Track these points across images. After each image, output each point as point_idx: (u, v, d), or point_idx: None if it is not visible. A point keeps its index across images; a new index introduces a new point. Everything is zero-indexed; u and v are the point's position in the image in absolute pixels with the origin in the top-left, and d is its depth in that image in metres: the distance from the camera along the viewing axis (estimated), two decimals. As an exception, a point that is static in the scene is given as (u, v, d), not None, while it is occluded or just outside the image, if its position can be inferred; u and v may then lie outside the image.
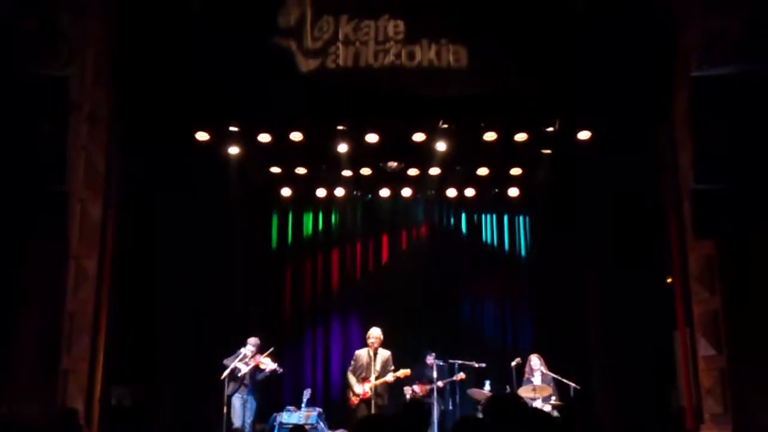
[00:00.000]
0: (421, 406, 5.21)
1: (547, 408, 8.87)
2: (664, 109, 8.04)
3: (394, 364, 9.30)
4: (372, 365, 9.13)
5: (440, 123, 9.39)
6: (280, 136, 9.59)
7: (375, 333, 9.34)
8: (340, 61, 8.28)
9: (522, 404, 3.24)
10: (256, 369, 9.18)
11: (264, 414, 10.04)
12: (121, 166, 8.20)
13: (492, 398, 3.45)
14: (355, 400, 9.18)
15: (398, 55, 8.26)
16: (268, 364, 9.22)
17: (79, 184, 7.28)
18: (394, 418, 4.34)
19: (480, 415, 8.96)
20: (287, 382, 11.27)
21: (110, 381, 8.19)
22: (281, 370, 9.57)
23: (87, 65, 7.44)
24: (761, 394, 6.64)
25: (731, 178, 6.68)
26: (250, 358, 9.15)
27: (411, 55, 8.25)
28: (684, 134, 7.50)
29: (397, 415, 4.73)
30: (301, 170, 10.91)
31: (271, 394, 10.96)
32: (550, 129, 9.38)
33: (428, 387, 9.66)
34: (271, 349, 9.37)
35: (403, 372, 9.25)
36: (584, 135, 9.38)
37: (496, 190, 11.45)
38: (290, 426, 9.30)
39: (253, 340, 9.29)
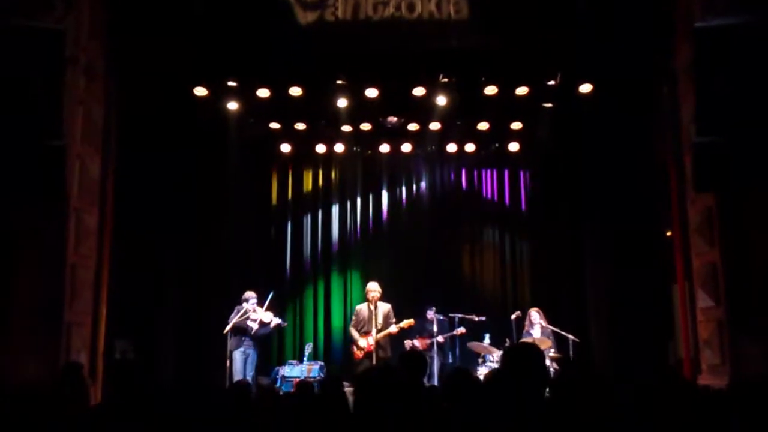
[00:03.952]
0: (418, 357, 5.25)
1: (546, 361, 8.98)
2: (666, 61, 7.97)
3: (396, 318, 9.38)
4: (373, 319, 9.20)
5: (440, 77, 9.32)
6: (279, 91, 9.53)
7: (373, 287, 9.39)
8: (339, 14, 8.18)
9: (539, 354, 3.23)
10: (260, 324, 9.24)
11: (266, 368, 10.16)
12: (120, 120, 8.15)
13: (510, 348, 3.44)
14: (359, 353, 9.27)
15: (398, 7, 8.15)
16: (272, 319, 9.28)
17: (78, 138, 7.23)
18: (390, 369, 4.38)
19: (482, 369, 9.10)
20: (289, 336, 11.39)
21: (113, 334, 8.27)
22: (285, 324, 9.66)
23: (83, 18, 7.33)
24: (758, 345, 6.70)
25: (733, 131, 6.64)
26: (252, 311, 9.19)
27: (411, 7, 8.14)
28: (686, 88, 7.45)
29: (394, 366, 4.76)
30: (300, 126, 10.86)
31: (273, 348, 11.10)
32: (552, 82, 9.32)
33: (428, 341, 9.76)
34: (271, 295, 9.36)
35: (407, 322, 9.33)
36: (586, 88, 9.33)
37: (497, 145, 11.43)
38: (293, 379, 9.42)
39: (251, 294, 9.31)
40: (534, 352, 3.22)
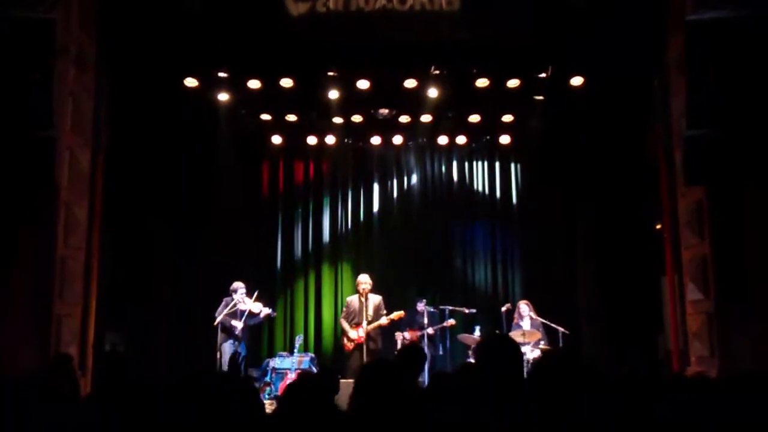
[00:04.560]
0: (416, 351, 5.27)
1: (537, 352, 9.01)
2: (658, 54, 7.98)
3: (386, 310, 9.39)
4: (364, 311, 9.23)
5: (432, 69, 9.30)
6: (270, 83, 9.49)
7: (364, 279, 9.42)
8: (331, 5, 8.14)
9: (514, 345, 3.24)
10: (250, 315, 9.24)
11: (257, 360, 10.16)
12: (110, 111, 8.10)
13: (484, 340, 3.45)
14: (349, 345, 9.30)
15: (389, -1, 8.13)
16: (261, 310, 9.29)
17: (67, 129, 7.18)
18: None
19: (471, 360, 9.13)
20: (279, 328, 11.39)
21: (104, 326, 8.25)
22: (274, 314, 9.70)
23: (73, 8, 7.27)
24: (746, 336, 6.74)
25: (724, 124, 6.66)
26: (242, 302, 9.19)
27: (402, -2, 8.12)
28: (677, 80, 7.46)
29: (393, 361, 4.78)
30: (291, 117, 10.82)
31: (263, 340, 11.10)
32: (543, 75, 9.32)
33: (418, 333, 9.78)
34: (256, 293, 9.40)
35: (397, 314, 9.36)
36: (577, 81, 9.33)
37: (488, 138, 11.44)
38: (283, 371, 9.44)
39: (239, 284, 9.31)
40: (506, 343, 3.21)
